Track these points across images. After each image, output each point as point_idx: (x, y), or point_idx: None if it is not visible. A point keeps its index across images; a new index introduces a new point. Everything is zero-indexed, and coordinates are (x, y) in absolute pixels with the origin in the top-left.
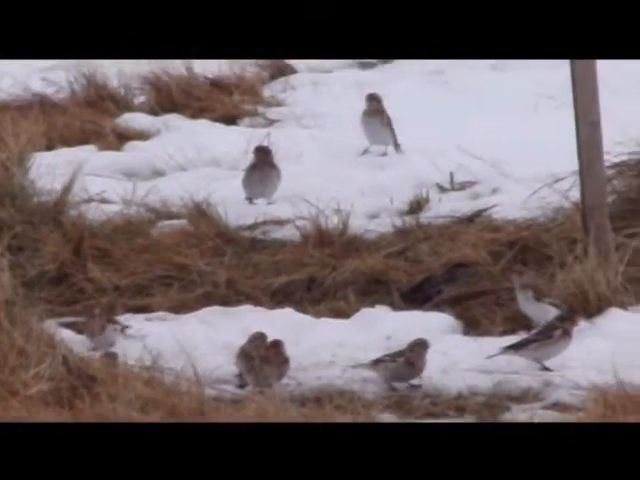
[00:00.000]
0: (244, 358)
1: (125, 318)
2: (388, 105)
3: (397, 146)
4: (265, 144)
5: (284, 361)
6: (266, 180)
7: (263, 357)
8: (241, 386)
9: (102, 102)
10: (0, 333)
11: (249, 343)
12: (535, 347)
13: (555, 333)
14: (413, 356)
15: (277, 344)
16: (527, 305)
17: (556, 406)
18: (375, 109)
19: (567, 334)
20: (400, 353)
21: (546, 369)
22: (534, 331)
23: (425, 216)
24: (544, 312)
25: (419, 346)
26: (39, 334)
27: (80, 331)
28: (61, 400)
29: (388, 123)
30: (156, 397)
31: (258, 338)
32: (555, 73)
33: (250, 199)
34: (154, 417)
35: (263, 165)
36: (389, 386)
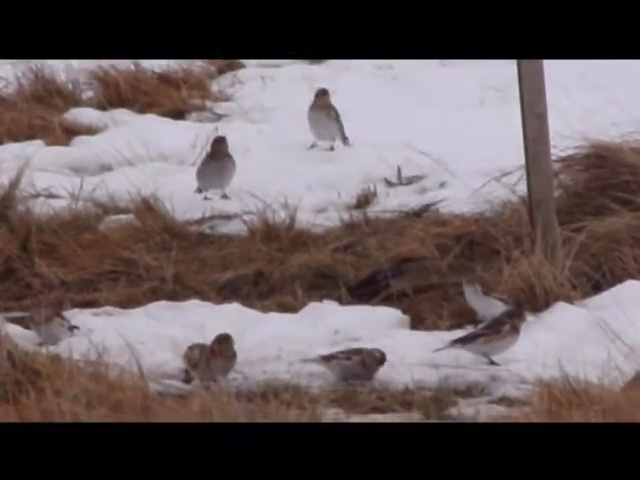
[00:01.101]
0: (189, 358)
1: (72, 313)
2: (336, 99)
3: (345, 140)
4: (221, 135)
5: (231, 355)
6: (223, 170)
7: (210, 351)
8: (187, 381)
9: (50, 97)
10: None
11: (193, 347)
12: (483, 341)
13: (503, 328)
14: (369, 361)
15: (225, 339)
16: (475, 300)
17: (502, 400)
18: (322, 103)
19: (515, 330)
20: (356, 352)
21: (493, 363)
22: (482, 325)
23: (373, 210)
24: (492, 307)
25: (375, 360)
26: None
27: (27, 326)
28: (5, 395)
29: (336, 117)
30: (101, 392)
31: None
32: (502, 67)
33: (201, 190)
34: (99, 412)
35: (220, 155)
36: (342, 383)
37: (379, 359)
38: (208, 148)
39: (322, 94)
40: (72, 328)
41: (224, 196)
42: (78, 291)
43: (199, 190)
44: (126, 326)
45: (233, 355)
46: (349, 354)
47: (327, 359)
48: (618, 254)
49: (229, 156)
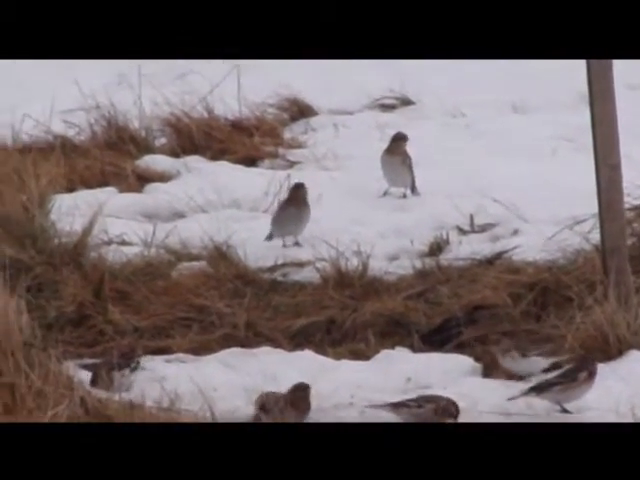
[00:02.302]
0: (262, 406)
1: (144, 360)
2: (408, 147)
3: (414, 190)
4: (301, 182)
5: (306, 407)
6: (300, 217)
7: (284, 400)
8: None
9: (123, 144)
10: (18, 375)
11: (267, 395)
12: (559, 390)
13: (580, 376)
14: (441, 412)
15: (303, 388)
16: (515, 366)
17: None
18: (398, 149)
19: (591, 377)
20: (429, 399)
21: (566, 412)
22: (556, 373)
23: (445, 258)
24: (533, 366)
25: (449, 415)
26: (57, 375)
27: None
28: None
29: (409, 165)
30: None
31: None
32: (574, 116)
33: (272, 237)
34: None
35: (299, 202)
36: None
37: (453, 414)
38: (282, 195)
39: (400, 139)
40: (135, 368)
41: (297, 243)
42: (151, 338)
43: (270, 237)
44: (198, 373)
45: (308, 407)
46: (421, 402)
47: (396, 407)
48: None
49: (307, 203)
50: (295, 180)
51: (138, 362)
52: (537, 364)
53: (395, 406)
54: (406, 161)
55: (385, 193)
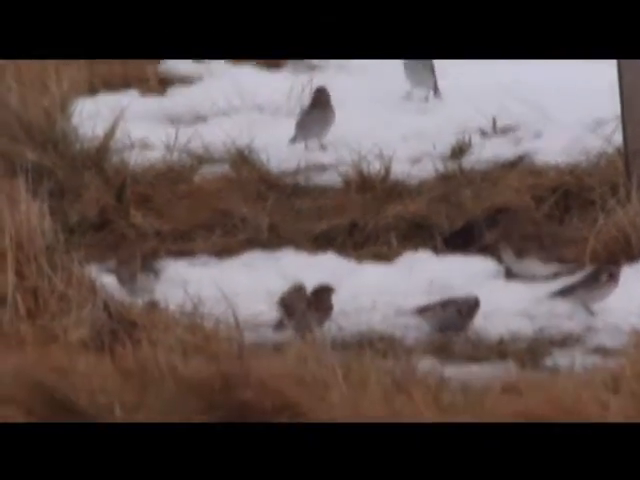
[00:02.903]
0: (284, 307)
1: (167, 263)
2: None
3: (436, 91)
4: (323, 85)
5: (328, 307)
6: (324, 120)
7: (307, 302)
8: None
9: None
10: (41, 279)
11: (289, 294)
12: (583, 292)
13: (602, 277)
14: (464, 309)
15: (327, 290)
16: (510, 265)
17: (598, 351)
18: None
19: (613, 279)
20: (451, 301)
21: (590, 314)
22: (580, 275)
23: (467, 161)
24: (529, 268)
25: (470, 307)
26: (80, 279)
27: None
28: (102, 345)
29: (431, 66)
30: (197, 343)
31: (298, 290)
32: None
33: (296, 140)
34: (194, 362)
35: (322, 105)
36: (437, 334)
37: (473, 304)
38: (304, 99)
39: None
40: (157, 273)
41: (321, 146)
42: (173, 241)
43: (294, 139)
44: (222, 276)
45: (330, 307)
46: (444, 304)
47: (423, 311)
48: None
49: (330, 106)
50: (318, 84)
51: (151, 267)
52: (531, 268)
53: (421, 311)
54: (427, 62)
55: (407, 95)
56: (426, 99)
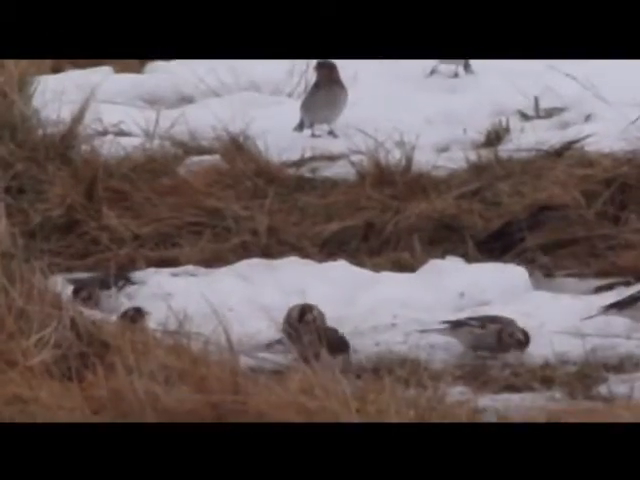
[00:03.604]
0: (288, 327)
1: (147, 273)
2: None
3: (467, 66)
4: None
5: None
6: (333, 101)
7: (322, 333)
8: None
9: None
10: None
11: (295, 315)
12: None
13: None
14: (507, 337)
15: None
16: (541, 286)
17: None
18: None
19: None
20: (492, 319)
21: None
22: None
23: (505, 149)
24: (561, 287)
25: (516, 342)
26: (42, 293)
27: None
28: (68, 371)
29: None
30: (182, 368)
31: (308, 311)
32: None
33: (303, 126)
34: (179, 391)
35: (329, 83)
36: (471, 353)
37: (522, 342)
38: (310, 75)
39: None
40: (124, 284)
41: (331, 132)
42: (154, 247)
43: (300, 126)
44: (211, 289)
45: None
46: (483, 321)
47: (455, 326)
48: None
49: (341, 85)
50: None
51: (128, 278)
52: (564, 286)
53: (453, 325)
54: None
55: (432, 71)
56: (455, 75)
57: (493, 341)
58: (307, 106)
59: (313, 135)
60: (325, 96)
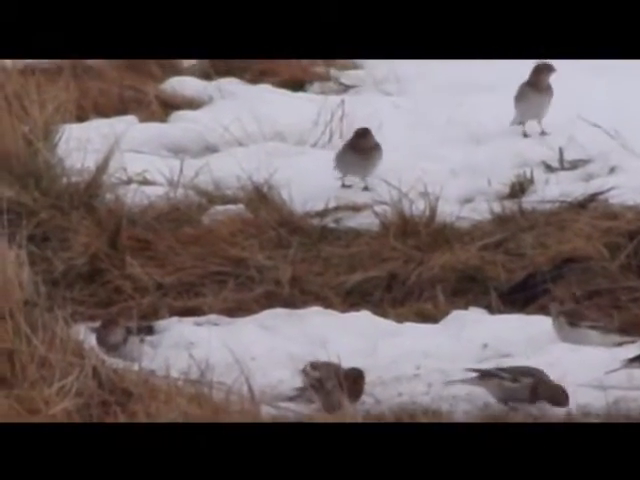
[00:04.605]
0: (311, 380)
1: (170, 322)
2: None
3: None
4: (365, 127)
5: (359, 393)
6: (367, 162)
7: (338, 384)
8: (302, 400)
9: (144, 64)
10: (18, 340)
11: (318, 369)
12: None
13: None
14: (542, 389)
15: (358, 376)
16: (563, 334)
17: None
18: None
19: None
20: (525, 373)
21: None
22: None
23: (529, 201)
24: (584, 339)
25: (555, 399)
26: (65, 341)
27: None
28: (90, 419)
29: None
30: (204, 417)
31: (331, 367)
32: None
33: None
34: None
35: (364, 149)
36: (495, 407)
37: (562, 402)
38: (334, 124)
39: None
40: (143, 338)
41: (365, 188)
42: (177, 296)
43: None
44: (234, 338)
45: (360, 392)
46: (516, 374)
47: (485, 376)
48: None
49: (376, 146)
50: (346, 106)
51: (150, 328)
52: (587, 338)
53: (482, 376)
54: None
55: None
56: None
57: (526, 394)
58: (340, 162)
59: (344, 186)
60: (359, 158)
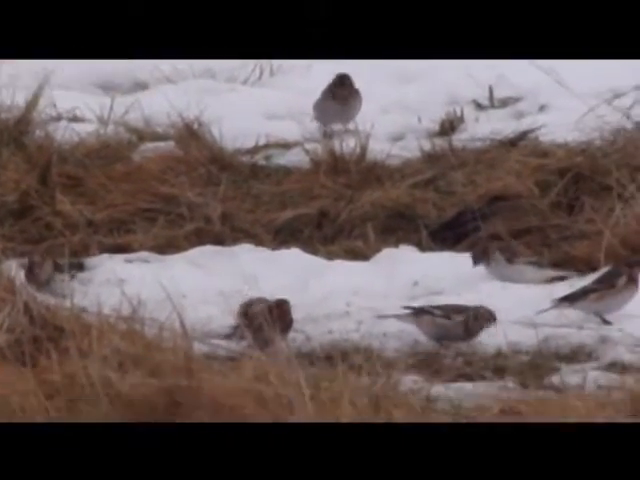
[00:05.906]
0: (243, 316)
1: (100, 259)
2: None
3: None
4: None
5: (289, 323)
6: (347, 111)
7: (266, 318)
8: (235, 338)
9: None
10: None
11: (251, 306)
12: (595, 298)
13: (619, 281)
14: (473, 324)
15: (282, 304)
16: (498, 271)
17: (613, 366)
18: None
19: (633, 282)
20: (457, 309)
21: (606, 323)
22: (594, 279)
23: (459, 138)
24: (519, 275)
25: (486, 320)
26: None
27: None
28: (22, 356)
29: None
30: (136, 353)
31: (261, 303)
32: None
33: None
34: (133, 376)
35: (344, 98)
36: (425, 345)
37: (489, 318)
38: (265, 62)
39: None
40: (73, 276)
41: (346, 131)
42: (107, 233)
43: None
44: (165, 275)
45: (290, 322)
46: (448, 311)
47: (418, 313)
48: None
49: (355, 92)
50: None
51: (81, 264)
52: (523, 274)
53: (415, 313)
54: None
55: None
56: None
57: (460, 332)
58: (319, 111)
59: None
60: (336, 109)
